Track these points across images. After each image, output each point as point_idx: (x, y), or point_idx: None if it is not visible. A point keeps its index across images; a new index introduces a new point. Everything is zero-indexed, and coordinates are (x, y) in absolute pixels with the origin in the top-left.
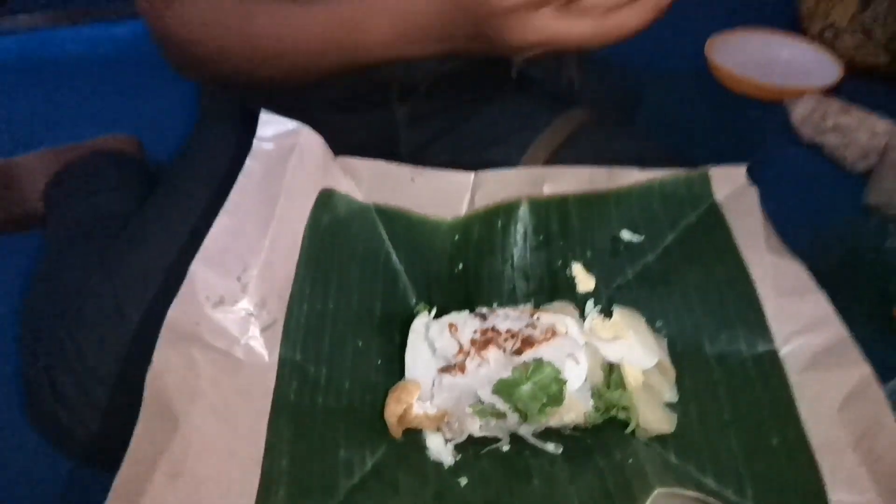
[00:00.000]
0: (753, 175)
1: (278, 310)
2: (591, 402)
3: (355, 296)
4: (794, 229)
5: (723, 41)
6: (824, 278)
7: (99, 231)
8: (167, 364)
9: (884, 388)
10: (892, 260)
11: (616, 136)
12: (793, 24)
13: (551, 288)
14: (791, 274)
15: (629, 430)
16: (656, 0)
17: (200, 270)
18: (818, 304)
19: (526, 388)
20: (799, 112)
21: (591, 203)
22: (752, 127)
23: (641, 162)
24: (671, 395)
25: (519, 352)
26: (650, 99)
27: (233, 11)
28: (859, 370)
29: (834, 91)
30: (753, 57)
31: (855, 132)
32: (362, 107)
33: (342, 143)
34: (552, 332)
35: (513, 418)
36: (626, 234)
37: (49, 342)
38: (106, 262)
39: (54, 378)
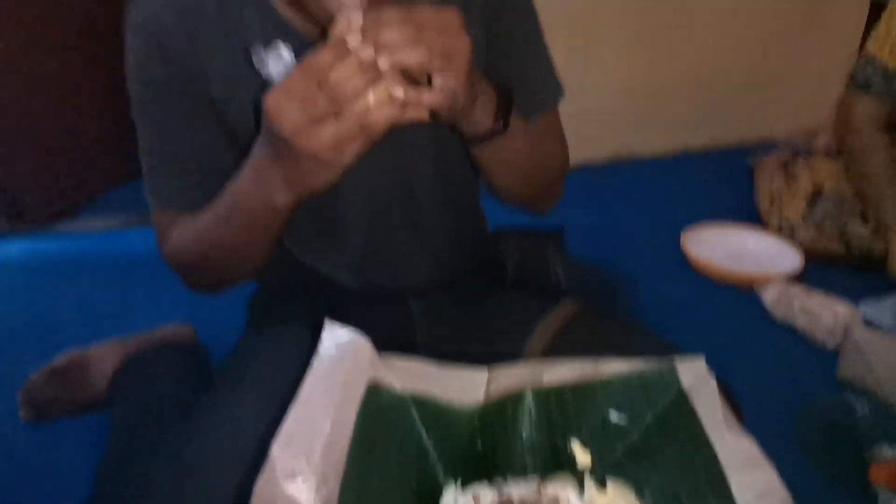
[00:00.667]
0: (735, 354)
1: (335, 485)
2: None
3: (395, 471)
4: (777, 403)
5: (696, 234)
6: (807, 448)
7: (158, 420)
8: None
9: None
10: (865, 429)
11: (603, 324)
12: (754, 217)
13: (555, 463)
14: (745, 449)
15: None
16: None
17: (279, 451)
18: (766, 474)
19: None
20: (769, 297)
21: (583, 391)
22: (729, 310)
23: (628, 347)
24: None
25: None
26: (632, 290)
27: (191, 223)
28: None
29: (799, 276)
30: (724, 248)
31: (819, 314)
32: (386, 301)
33: (369, 332)
34: (556, 501)
35: None
36: (613, 416)
37: None
38: (166, 454)
39: None
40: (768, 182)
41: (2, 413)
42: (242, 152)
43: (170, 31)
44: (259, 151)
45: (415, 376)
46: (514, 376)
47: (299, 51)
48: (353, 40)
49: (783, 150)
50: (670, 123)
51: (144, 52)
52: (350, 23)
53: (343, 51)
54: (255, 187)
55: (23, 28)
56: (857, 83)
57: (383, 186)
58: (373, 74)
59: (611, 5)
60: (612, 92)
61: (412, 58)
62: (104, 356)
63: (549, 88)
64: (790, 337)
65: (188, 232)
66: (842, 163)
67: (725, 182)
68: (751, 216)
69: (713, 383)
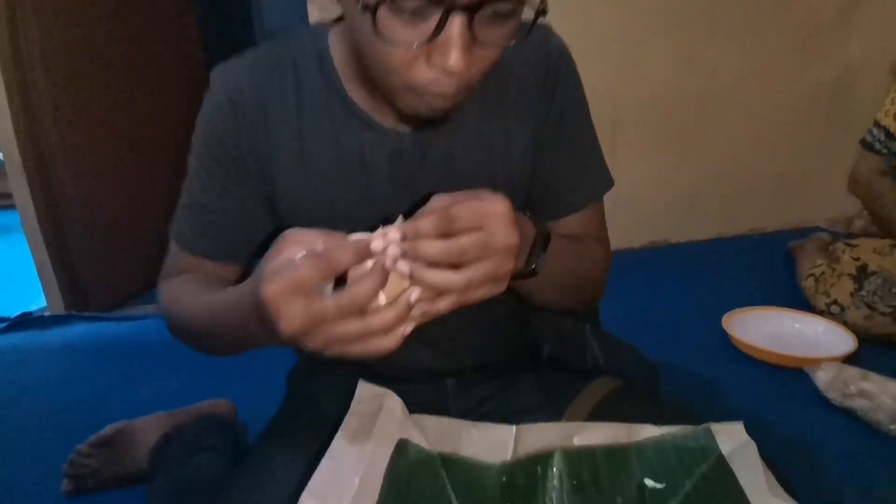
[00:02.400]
0: (787, 438)
1: None
2: None
3: None
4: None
5: (737, 318)
6: None
7: (196, 490)
8: None
9: None
10: None
11: (643, 402)
12: (796, 302)
13: None
14: None
15: None
16: (404, 299)
17: (308, 501)
18: None
19: None
20: (822, 378)
21: (615, 454)
22: (778, 393)
23: (669, 424)
24: None
25: None
26: (673, 368)
27: (176, 291)
28: None
29: (853, 359)
30: (768, 331)
31: (879, 396)
32: (420, 379)
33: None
34: None
35: None
36: (649, 482)
37: None
38: None
39: None
40: (810, 264)
41: (44, 485)
42: (279, 218)
43: (246, 94)
44: (249, 305)
45: (443, 433)
46: (543, 435)
47: (362, 133)
48: (389, 253)
49: (822, 234)
50: (704, 214)
51: (218, 106)
52: (387, 237)
53: (366, 254)
54: (239, 323)
55: (103, 111)
56: (864, 144)
57: None
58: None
59: (641, 106)
60: (646, 185)
61: (454, 281)
62: (148, 428)
63: (599, 176)
64: (847, 421)
65: (182, 295)
66: (885, 239)
67: (763, 266)
68: (792, 301)
69: (753, 447)
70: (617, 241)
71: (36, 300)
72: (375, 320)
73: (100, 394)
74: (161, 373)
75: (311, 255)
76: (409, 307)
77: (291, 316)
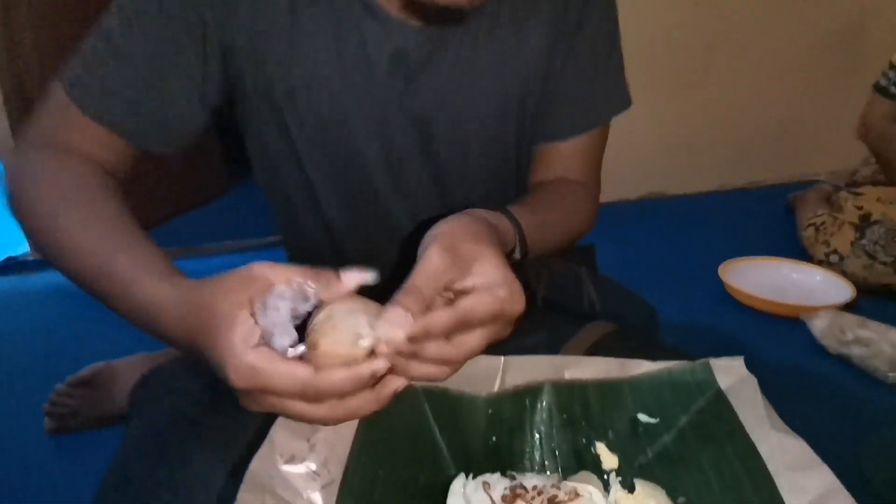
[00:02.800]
0: (783, 386)
1: (337, 471)
2: None
3: (402, 465)
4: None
5: (733, 267)
6: (872, 488)
7: (170, 431)
8: None
9: None
10: None
11: (639, 346)
12: (795, 253)
13: (577, 465)
14: (796, 450)
15: None
16: (387, 391)
17: (278, 431)
18: (824, 477)
19: None
20: (818, 325)
21: (608, 389)
22: (774, 341)
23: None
24: None
25: None
26: (669, 317)
27: (58, 199)
28: None
29: (850, 308)
30: (765, 280)
31: (878, 343)
32: None
33: None
34: (575, 494)
35: None
36: (643, 417)
37: None
38: (171, 464)
39: None
40: (811, 214)
41: (26, 425)
42: (273, 108)
43: None
44: (182, 329)
45: None
46: (532, 367)
47: (364, 21)
48: (381, 362)
49: (824, 185)
50: (704, 165)
51: None
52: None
53: (360, 382)
54: (157, 325)
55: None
56: (878, 88)
57: (421, 190)
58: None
59: (643, 50)
60: (644, 132)
61: (448, 372)
62: (128, 368)
63: (614, 95)
64: (843, 369)
65: (72, 220)
66: (891, 188)
67: (763, 219)
68: (791, 253)
69: (754, 382)
70: (611, 192)
71: (20, 244)
72: (339, 410)
73: (84, 336)
74: None
75: (294, 369)
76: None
77: (252, 403)
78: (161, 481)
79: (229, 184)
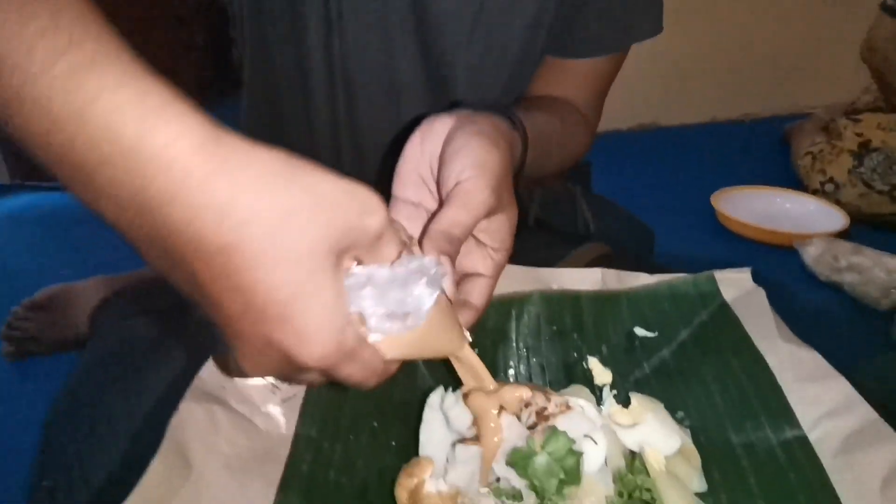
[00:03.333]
0: (778, 314)
1: (299, 386)
2: (613, 487)
3: None
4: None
5: (726, 196)
6: None
7: (127, 353)
8: (190, 415)
9: None
10: None
11: (636, 266)
12: (791, 186)
13: (567, 380)
14: (808, 360)
15: None
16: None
17: None
18: (841, 388)
19: (540, 459)
20: (811, 252)
21: (602, 301)
22: (767, 269)
23: None
24: (699, 484)
25: (533, 426)
26: (662, 246)
27: None
28: (895, 447)
29: (844, 236)
30: (758, 209)
31: (871, 270)
32: None
33: None
34: (566, 406)
35: (530, 499)
36: (639, 331)
37: (58, 462)
38: (125, 381)
39: (55, 502)
40: (809, 142)
41: None
42: None
43: None
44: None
45: None
46: (519, 277)
47: None
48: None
49: (821, 115)
50: (698, 96)
51: None
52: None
53: None
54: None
55: None
56: (884, 7)
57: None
58: None
59: None
60: (636, 60)
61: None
62: (87, 291)
63: (643, 16)
64: (836, 296)
65: None
66: (892, 115)
67: (757, 150)
68: (786, 183)
69: (762, 294)
70: (604, 122)
71: None
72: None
73: (45, 262)
74: (109, 242)
75: (374, 360)
76: None
77: (271, 366)
78: (110, 401)
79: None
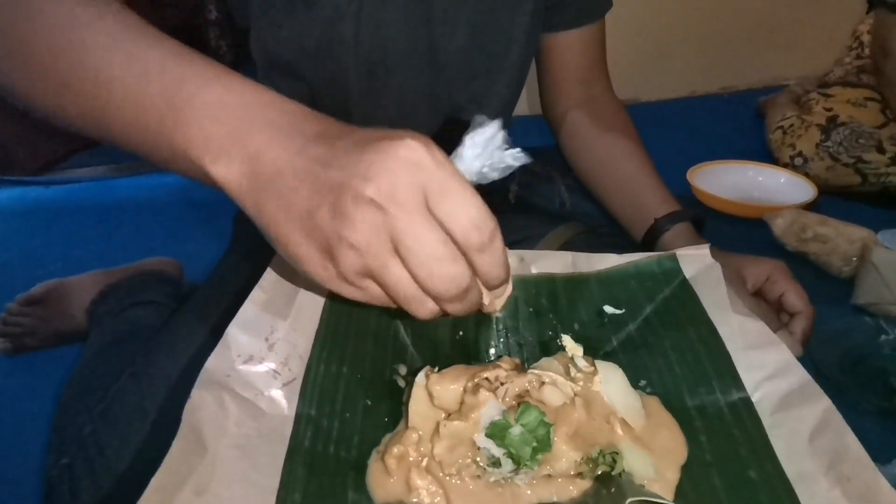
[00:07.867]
0: None
1: (298, 369)
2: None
3: (367, 363)
4: None
5: (701, 171)
6: (828, 376)
7: (131, 340)
8: (202, 402)
9: (885, 469)
10: (889, 354)
11: (609, 245)
12: (764, 158)
13: (542, 356)
14: (754, 330)
15: (616, 472)
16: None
17: (234, 332)
18: (780, 354)
19: (515, 430)
20: (779, 224)
21: (575, 283)
22: (738, 241)
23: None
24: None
25: (510, 403)
26: None
27: None
28: (822, 404)
29: (812, 207)
30: (731, 183)
31: (835, 240)
32: None
33: None
34: (541, 383)
35: (507, 466)
36: (608, 309)
37: (74, 441)
38: (134, 366)
39: (74, 477)
40: (780, 116)
41: None
42: None
43: None
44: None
45: None
46: None
47: None
48: None
49: (795, 87)
50: (676, 71)
51: None
52: None
53: None
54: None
55: None
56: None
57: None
58: None
59: None
60: (615, 36)
61: None
62: (83, 285)
63: None
64: (802, 265)
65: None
66: (860, 90)
67: (733, 123)
68: (761, 156)
69: (717, 268)
70: None
71: None
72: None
73: (33, 255)
74: (99, 235)
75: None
76: None
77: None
78: (123, 384)
79: None
